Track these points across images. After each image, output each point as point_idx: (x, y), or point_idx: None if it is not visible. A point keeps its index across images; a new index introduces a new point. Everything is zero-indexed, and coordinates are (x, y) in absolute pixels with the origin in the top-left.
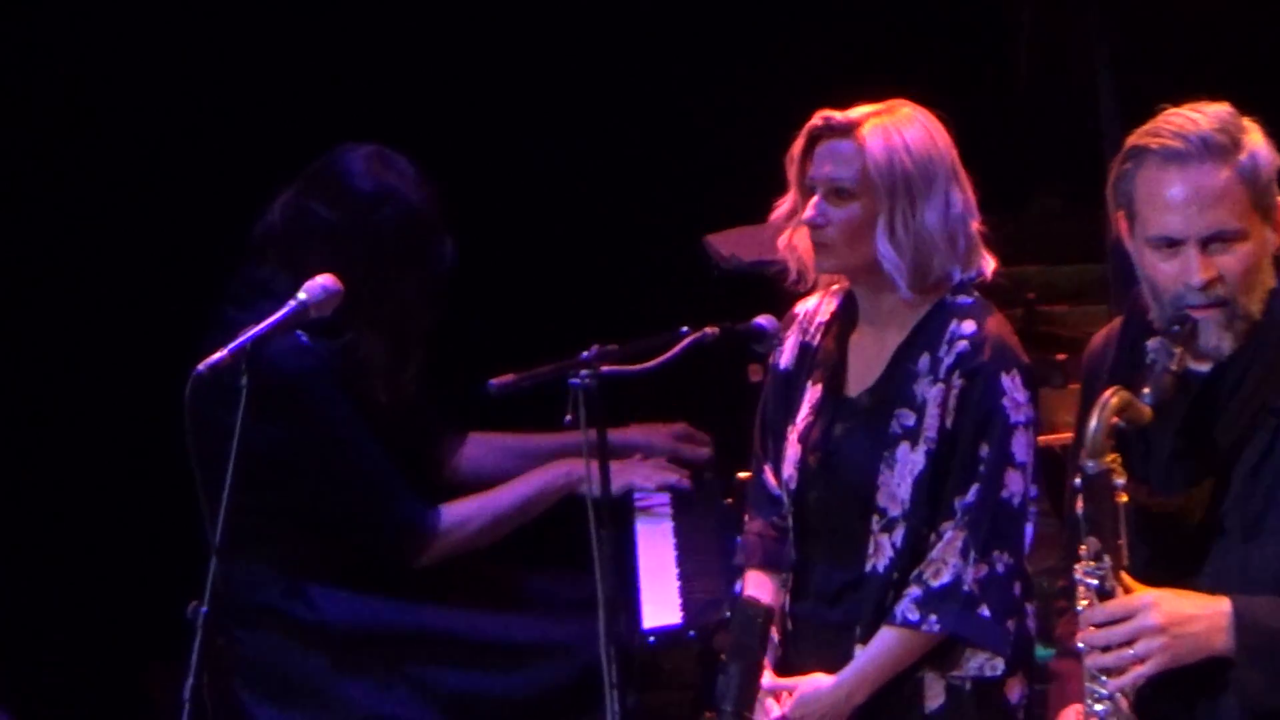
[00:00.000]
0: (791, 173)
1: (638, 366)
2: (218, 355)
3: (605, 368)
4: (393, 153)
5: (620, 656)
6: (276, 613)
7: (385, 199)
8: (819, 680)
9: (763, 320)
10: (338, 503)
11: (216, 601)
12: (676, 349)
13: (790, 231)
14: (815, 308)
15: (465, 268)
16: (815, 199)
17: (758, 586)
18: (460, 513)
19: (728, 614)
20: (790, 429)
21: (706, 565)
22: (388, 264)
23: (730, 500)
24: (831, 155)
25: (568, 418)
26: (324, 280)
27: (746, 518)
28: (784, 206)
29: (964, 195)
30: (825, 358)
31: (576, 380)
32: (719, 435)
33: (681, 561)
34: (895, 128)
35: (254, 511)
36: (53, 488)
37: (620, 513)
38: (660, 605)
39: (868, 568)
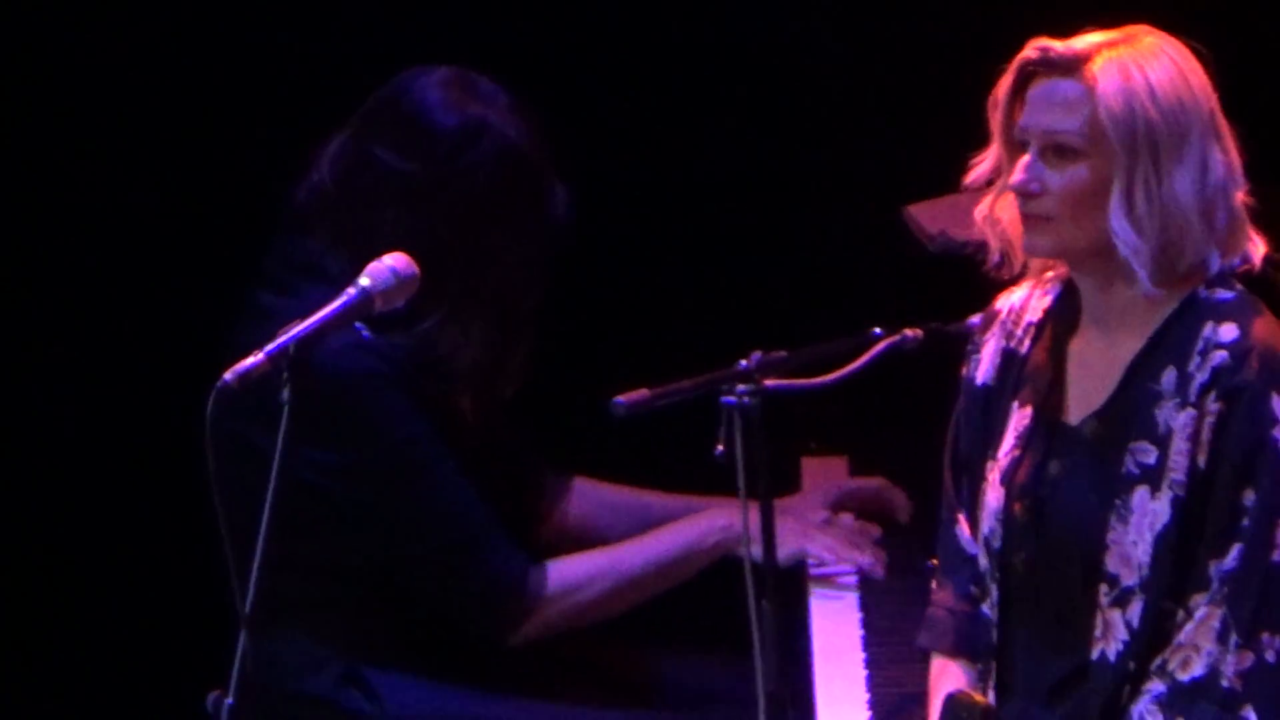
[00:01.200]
0: (995, 121)
1: (814, 381)
2: (250, 360)
3: (770, 381)
4: (476, 75)
5: None
6: (327, 705)
7: (475, 136)
8: None
9: (979, 319)
10: (409, 554)
11: (246, 690)
12: (866, 357)
13: (991, 199)
14: (1023, 303)
15: (583, 252)
16: (1026, 157)
17: (949, 678)
18: (575, 573)
19: (935, 715)
20: (990, 466)
21: (902, 648)
22: (480, 224)
23: (935, 561)
24: (1049, 99)
25: (718, 449)
26: (393, 261)
27: (934, 585)
28: (984, 165)
29: (1226, 157)
30: (1036, 371)
31: (731, 398)
32: (924, 475)
33: (869, 643)
34: (1136, 63)
35: (299, 568)
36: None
37: (790, 581)
38: (841, 702)
39: (1094, 654)
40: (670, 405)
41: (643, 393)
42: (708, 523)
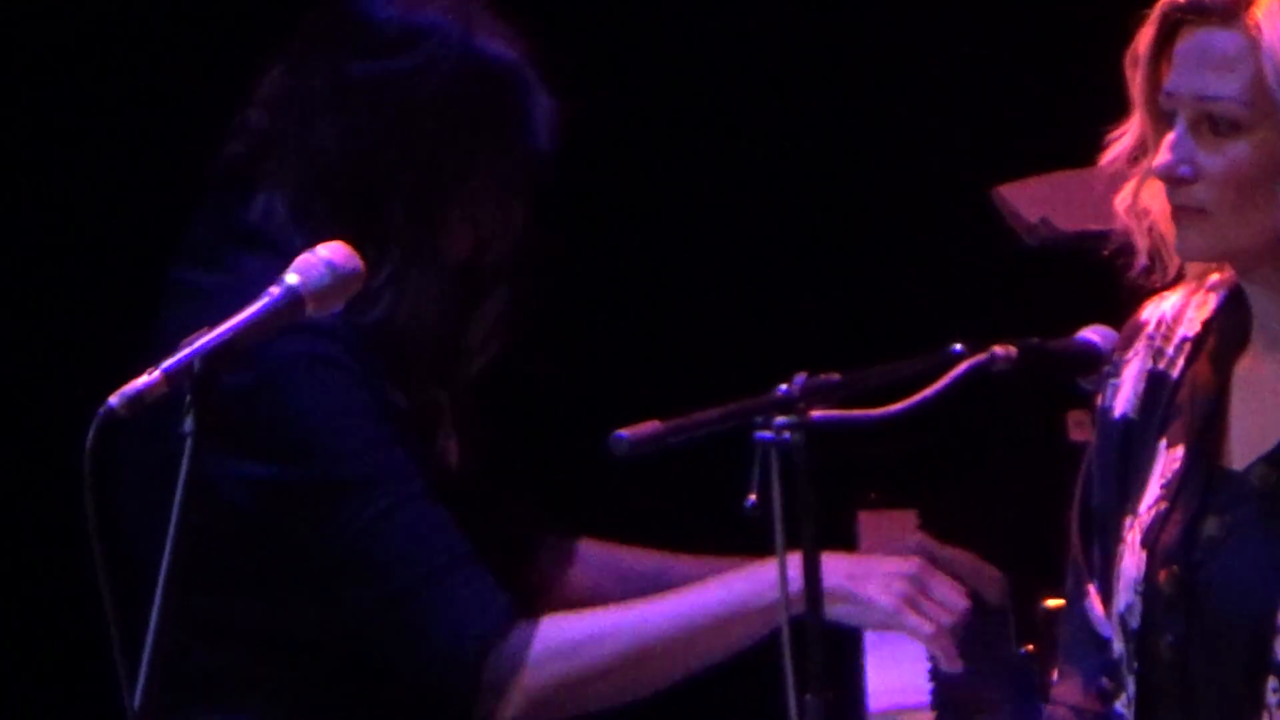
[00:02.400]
0: (1135, 84)
1: (875, 412)
2: (142, 380)
3: (818, 413)
4: None
5: None
6: None
7: (421, 33)
8: None
9: (1094, 335)
10: (351, 601)
11: None
12: (942, 382)
13: (1135, 185)
14: (1176, 313)
15: (588, 249)
16: (1172, 134)
17: None
18: (574, 630)
19: None
20: (1129, 523)
21: None
22: (429, 142)
23: (1031, 647)
24: (1201, 56)
25: (750, 500)
26: (330, 253)
27: (1055, 676)
28: (1124, 141)
29: None
30: (1192, 401)
31: (768, 433)
32: (1015, 542)
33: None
34: None
35: (225, 634)
36: None
37: (841, 649)
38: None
39: None
40: (688, 442)
41: (653, 425)
42: (763, 574)
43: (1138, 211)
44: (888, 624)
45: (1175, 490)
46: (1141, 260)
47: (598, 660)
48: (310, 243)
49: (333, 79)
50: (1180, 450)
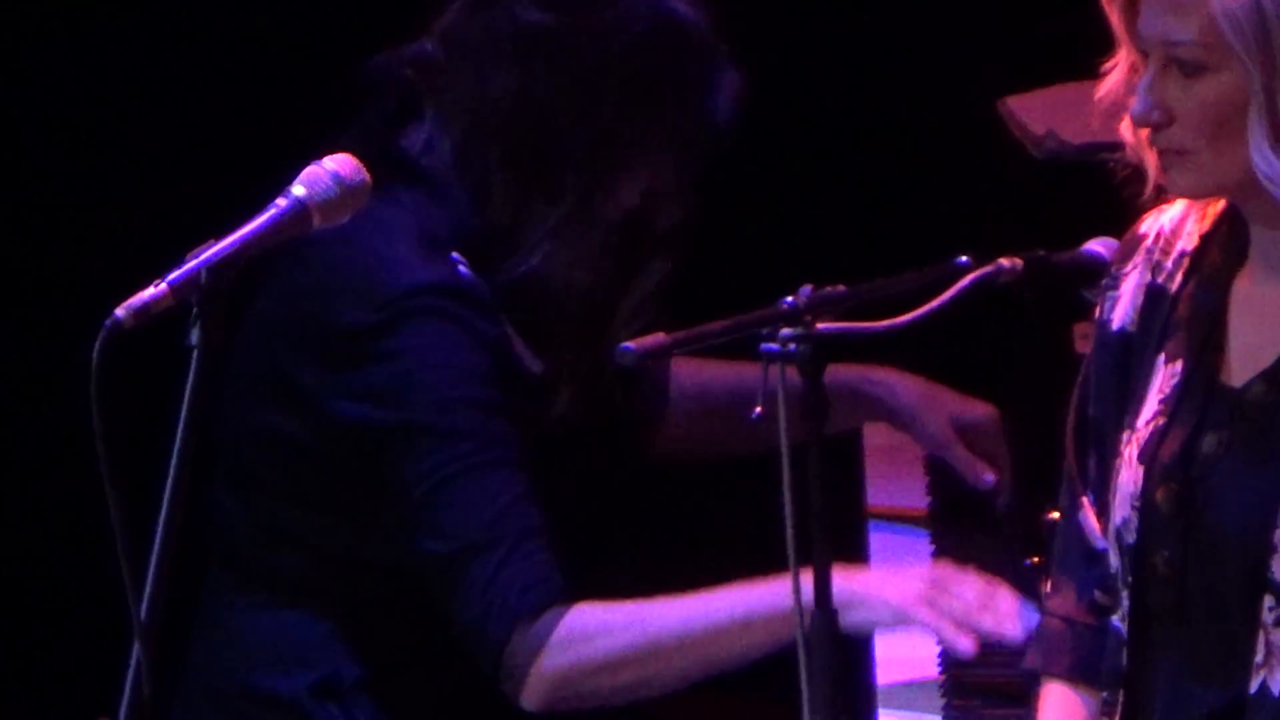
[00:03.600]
0: (1114, 20)
1: (881, 324)
2: (149, 293)
3: (824, 324)
4: None
5: None
6: (294, 712)
7: None
8: None
9: (1100, 246)
10: (415, 552)
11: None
12: (948, 294)
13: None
14: (1176, 226)
15: None
16: (1144, 79)
17: (1063, 711)
18: (595, 619)
19: None
20: (1126, 438)
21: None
22: (615, 104)
23: (1036, 560)
24: None
25: (756, 411)
26: (336, 165)
27: (1048, 587)
28: (1115, 75)
29: None
30: (1191, 316)
31: (774, 345)
32: (1020, 450)
33: (948, 661)
34: None
35: (286, 538)
36: None
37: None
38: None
39: (1254, 685)
40: (694, 354)
41: (659, 337)
42: (785, 585)
43: (1141, 144)
44: (900, 620)
45: (1173, 406)
46: (1152, 183)
47: (611, 651)
48: (473, 189)
49: (516, 26)
50: (1179, 365)
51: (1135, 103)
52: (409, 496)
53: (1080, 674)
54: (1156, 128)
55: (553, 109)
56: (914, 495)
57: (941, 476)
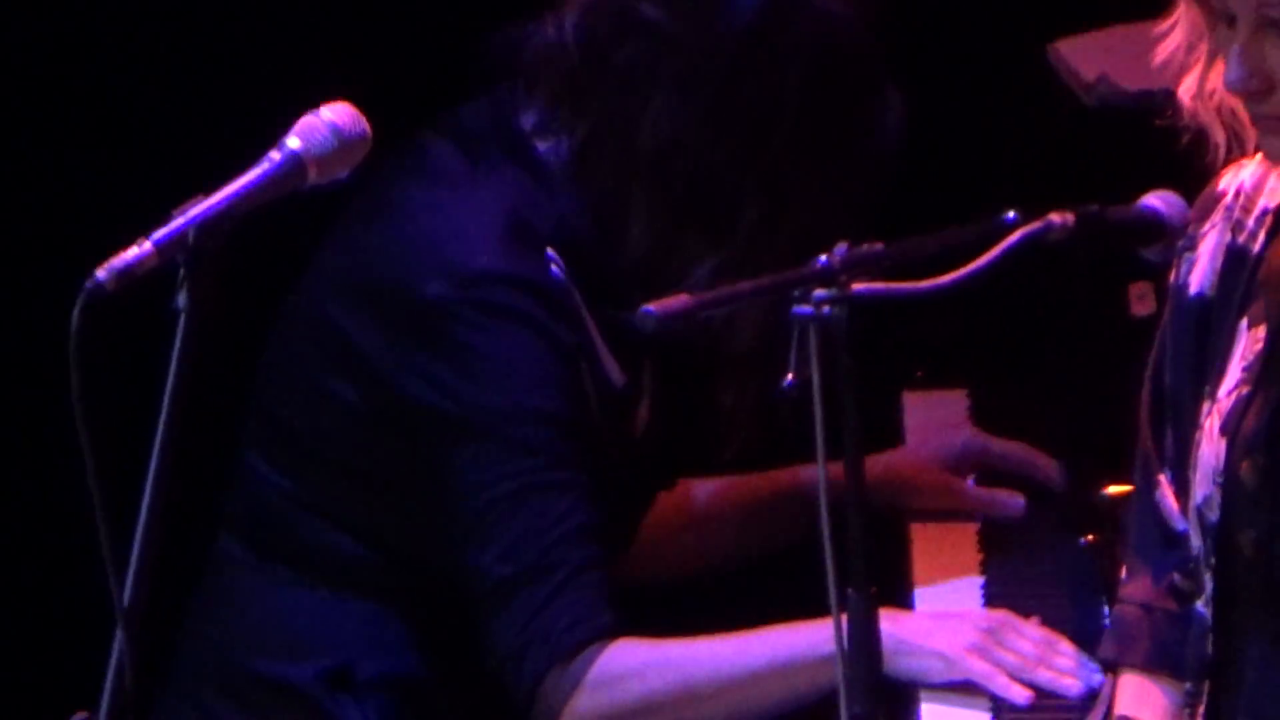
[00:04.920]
0: None
1: (920, 285)
2: (132, 253)
3: (861, 285)
4: None
5: None
6: (303, 702)
7: (790, 4)
8: None
9: (1159, 201)
10: (459, 560)
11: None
12: (994, 253)
13: (1199, 72)
14: (1258, 182)
15: None
16: (1238, 45)
17: (1141, 703)
18: (628, 660)
19: None
20: (1207, 410)
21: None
22: (784, 133)
23: (1092, 538)
24: None
25: (788, 379)
26: (334, 115)
27: (1124, 573)
28: (1175, 37)
29: None
30: (1275, 277)
31: (807, 308)
32: (1074, 425)
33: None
34: None
35: (330, 517)
36: None
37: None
38: None
39: None
40: (719, 318)
41: (682, 299)
42: (827, 628)
43: (1205, 95)
44: (950, 672)
45: (1258, 374)
46: (1217, 142)
47: (646, 695)
48: (599, 206)
49: (676, 43)
50: (1263, 331)
51: (1229, 70)
52: (465, 502)
53: (1160, 664)
54: (1255, 95)
55: (712, 143)
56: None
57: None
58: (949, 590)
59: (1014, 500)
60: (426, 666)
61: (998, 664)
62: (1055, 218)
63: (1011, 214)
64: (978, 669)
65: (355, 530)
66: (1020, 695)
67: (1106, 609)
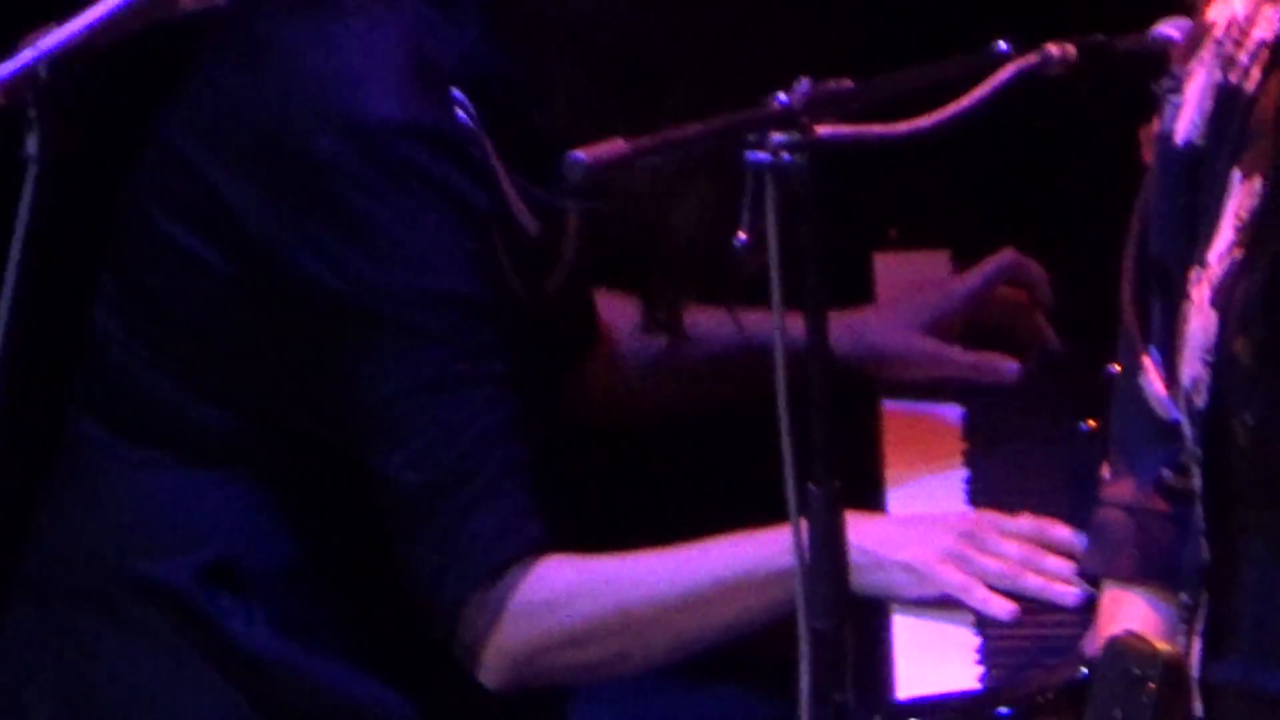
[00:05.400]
0: None
1: (896, 128)
2: None
3: (826, 128)
4: None
5: None
6: (176, 602)
7: None
8: None
9: (1173, 29)
10: (367, 461)
11: None
12: (983, 90)
13: None
14: (1251, 10)
15: None
16: None
17: (1130, 621)
18: (569, 577)
19: (1080, 671)
20: (1196, 276)
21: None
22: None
23: (1094, 424)
24: None
25: (741, 238)
26: None
27: (1106, 470)
28: None
29: None
30: (1274, 119)
31: (763, 153)
32: (1075, 294)
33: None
34: None
35: (220, 396)
36: None
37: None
38: (934, 659)
39: None
40: (661, 164)
41: (617, 144)
42: (784, 538)
43: None
44: (922, 589)
45: (1253, 234)
46: None
47: (577, 623)
48: (518, 63)
49: None
50: (1258, 182)
51: None
52: (364, 396)
53: (1150, 574)
54: None
55: (657, 19)
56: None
57: (973, 331)
58: (927, 486)
59: (1006, 364)
60: (318, 557)
61: (976, 573)
62: (1053, 49)
63: (1003, 44)
64: (952, 581)
65: (226, 401)
66: (1001, 609)
67: (1093, 519)
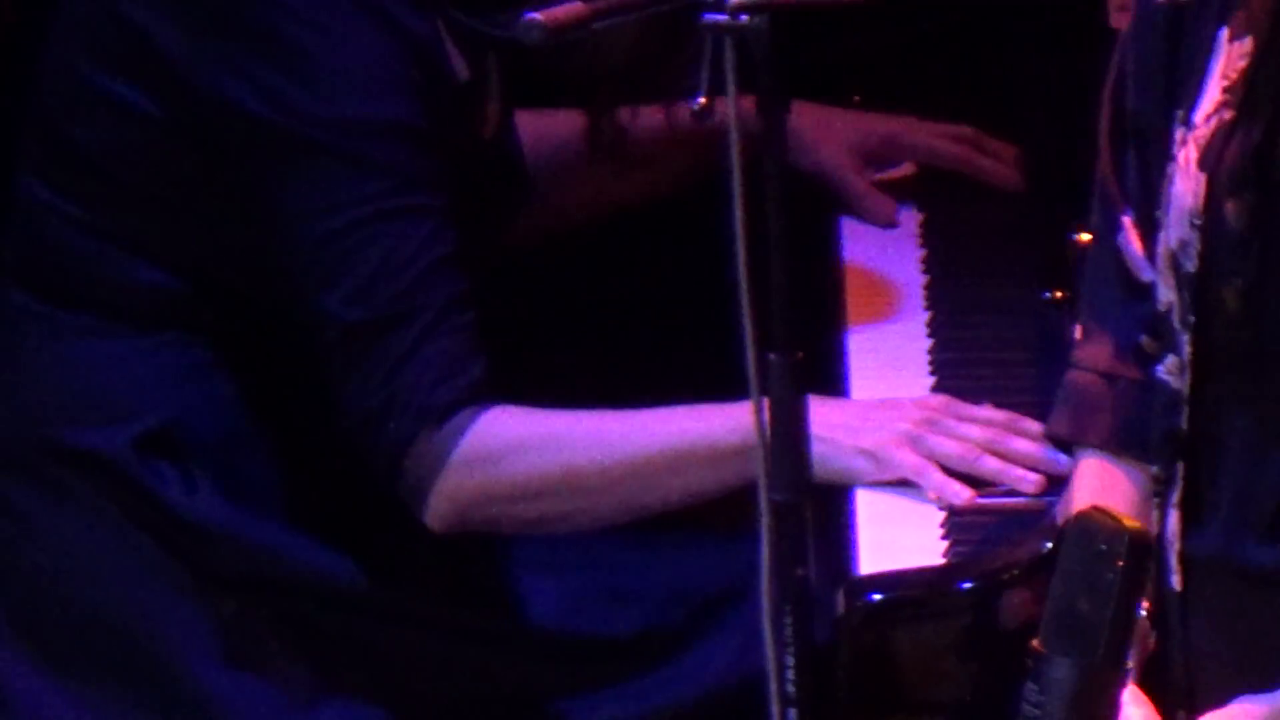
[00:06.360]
0: None
1: None
2: None
3: None
4: None
5: (803, 632)
6: (111, 471)
7: None
8: (1248, 707)
9: None
10: (303, 304)
11: None
12: None
13: None
14: None
15: None
16: None
17: (1104, 489)
18: (506, 437)
19: (1045, 545)
20: (1180, 137)
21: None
22: None
23: (1060, 295)
24: None
25: (697, 99)
26: None
27: (1078, 332)
28: None
29: None
30: None
31: (718, 14)
32: (1040, 159)
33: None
34: None
35: (145, 251)
36: None
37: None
38: (898, 532)
39: None
40: (614, 27)
41: (574, 6)
42: (743, 413)
43: None
44: (880, 474)
45: (1242, 94)
46: None
47: (522, 474)
48: None
49: None
50: (1249, 43)
51: None
52: (302, 232)
53: (1123, 442)
54: None
55: None
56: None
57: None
58: (888, 335)
59: (887, 209)
60: (259, 421)
61: (933, 456)
62: None
63: None
64: (907, 463)
65: (160, 259)
66: (956, 494)
67: (1062, 383)
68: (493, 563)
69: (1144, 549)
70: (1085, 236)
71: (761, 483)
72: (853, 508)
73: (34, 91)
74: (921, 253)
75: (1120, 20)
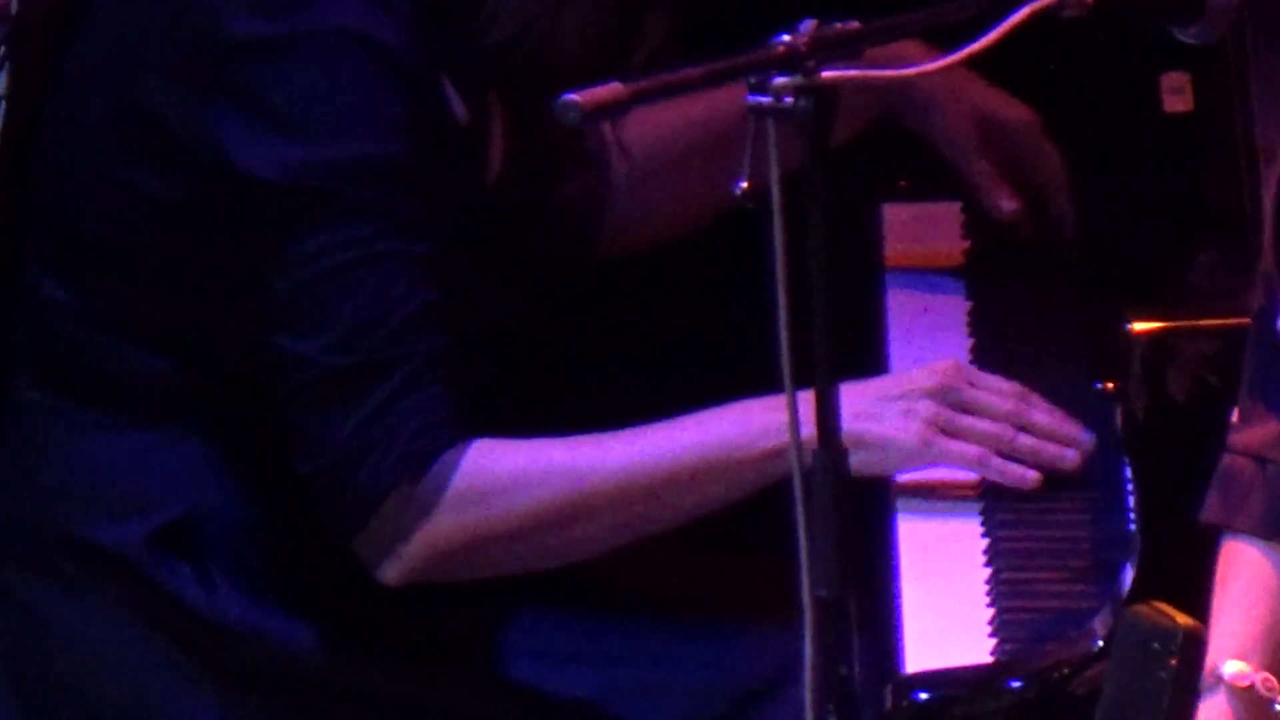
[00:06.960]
0: None
1: (904, 69)
2: None
3: (831, 71)
4: None
5: None
6: (126, 569)
7: None
8: None
9: None
10: (279, 358)
11: None
12: (995, 30)
13: None
14: None
15: None
16: None
17: (1254, 579)
18: (508, 462)
19: (1096, 642)
20: None
21: (1028, 542)
22: None
23: (1111, 386)
24: None
25: (739, 183)
26: None
27: (1235, 415)
28: None
29: None
30: None
31: (763, 94)
32: (1092, 243)
33: (996, 525)
34: None
35: (145, 334)
36: None
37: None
38: (945, 630)
39: None
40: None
41: (613, 86)
42: (764, 415)
43: None
44: (917, 461)
45: None
46: None
47: (523, 509)
48: None
49: None
50: None
51: None
52: (286, 277)
53: (1273, 526)
54: None
55: None
56: (948, 323)
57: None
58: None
59: (1009, 202)
60: (275, 513)
61: (969, 435)
62: None
63: None
64: (950, 449)
65: (167, 346)
66: (1019, 476)
67: (1129, 471)
68: (528, 655)
69: (1198, 646)
70: (1139, 327)
71: (804, 580)
72: (898, 602)
73: (39, 186)
74: (969, 342)
75: (1173, 104)
